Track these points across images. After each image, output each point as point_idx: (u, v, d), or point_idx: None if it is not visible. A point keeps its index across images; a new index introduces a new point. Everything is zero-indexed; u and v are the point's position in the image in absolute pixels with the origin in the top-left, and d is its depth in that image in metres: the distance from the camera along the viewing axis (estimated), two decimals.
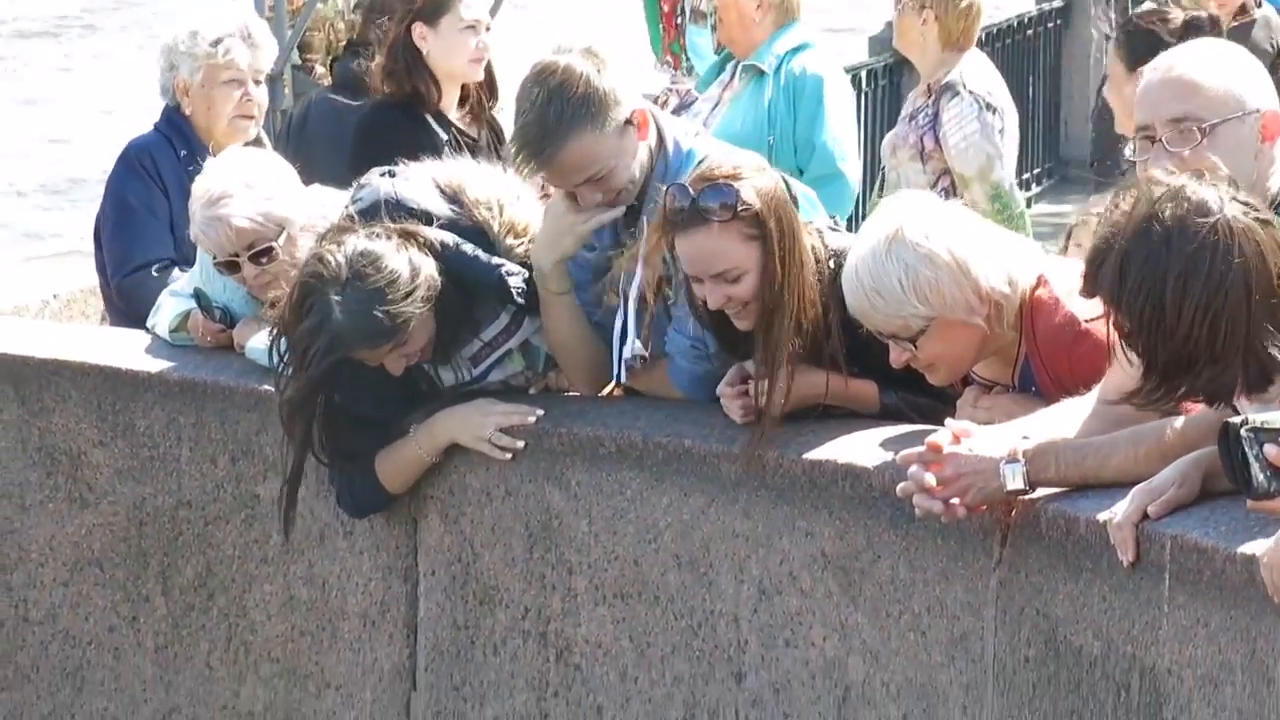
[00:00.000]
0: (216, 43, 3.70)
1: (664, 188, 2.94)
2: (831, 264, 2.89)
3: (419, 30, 4.02)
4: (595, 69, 2.92)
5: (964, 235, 2.82)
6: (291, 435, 3.02)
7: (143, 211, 3.80)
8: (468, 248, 2.95)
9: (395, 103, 4.02)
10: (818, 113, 4.77)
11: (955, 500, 2.49)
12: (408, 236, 2.87)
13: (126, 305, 3.84)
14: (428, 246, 2.89)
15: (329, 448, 3.02)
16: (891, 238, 2.75)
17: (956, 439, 2.52)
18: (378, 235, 2.85)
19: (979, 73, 4.91)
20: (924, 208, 2.96)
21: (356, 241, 2.83)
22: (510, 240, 3.02)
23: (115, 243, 3.80)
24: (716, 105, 4.82)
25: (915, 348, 2.75)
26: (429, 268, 2.84)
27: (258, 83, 3.80)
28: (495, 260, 2.96)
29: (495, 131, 3.93)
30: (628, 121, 2.97)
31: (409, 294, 2.81)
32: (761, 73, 4.59)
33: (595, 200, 2.96)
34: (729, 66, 4.81)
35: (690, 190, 2.79)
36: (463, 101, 4.00)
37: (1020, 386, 2.90)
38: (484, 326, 3.06)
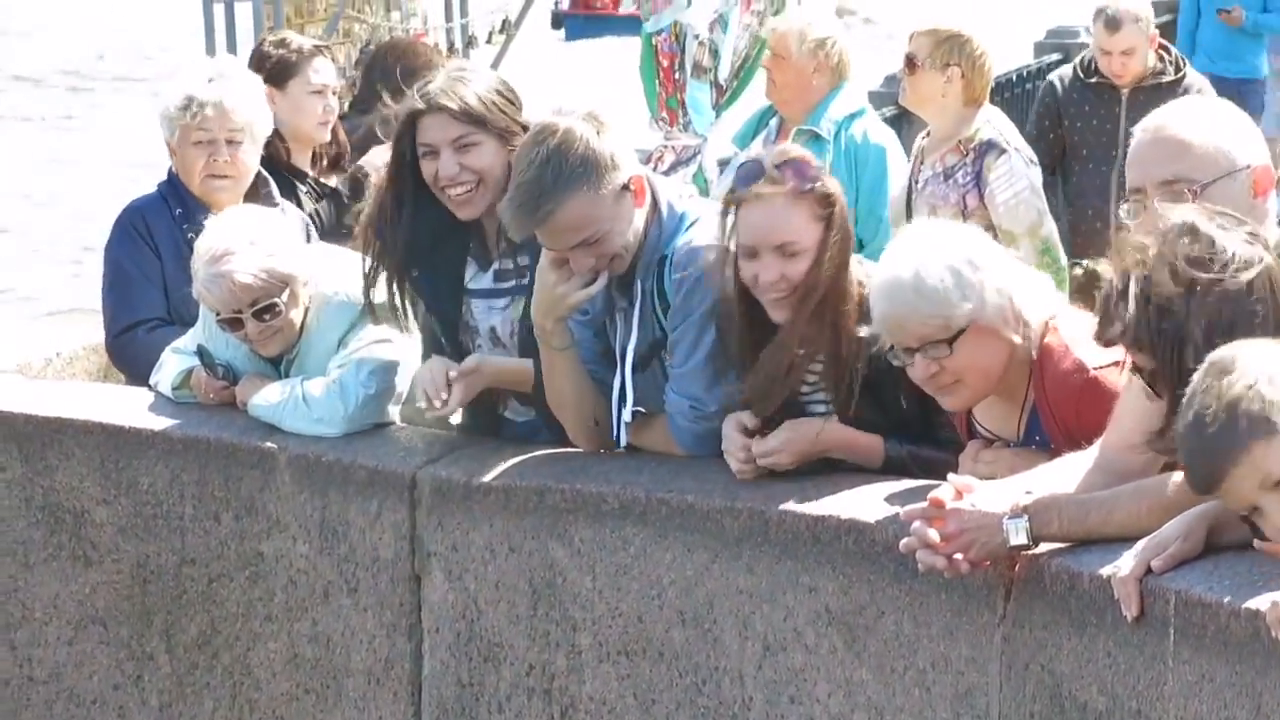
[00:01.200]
0: (186, 105, 3.71)
1: (738, 160, 3.07)
2: (863, 289, 2.92)
3: (268, 92, 4.11)
4: (595, 131, 2.90)
5: (1002, 252, 2.89)
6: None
7: (134, 274, 3.82)
8: None
9: None
10: (881, 185, 4.75)
11: (959, 556, 2.46)
12: None
13: (119, 365, 3.89)
14: None
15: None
16: (937, 240, 2.77)
17: (959, 494, 2.49)
18: None
19: (1009, 128, 4.90)
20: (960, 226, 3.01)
21: None
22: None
23: (107, 304, 3.85)
24: None
25: (950, 350, 2.69)
26: None
27: (235, 142, 3.76)
28: None
29: (356, 182, 4.02)
30: (625, 187, 2.95)
31: None
32: (817, 136, 4.56)
33: (588, 265, 2.94)
34: (771, 123, 4.79)
35: (772, 160, 2.86)
36: (314, 160, 4.13)
37: (1025, 438, 2.86)
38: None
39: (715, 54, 5.93)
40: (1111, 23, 5.94)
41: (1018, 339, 2.71)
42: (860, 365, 2.84)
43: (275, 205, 3.72)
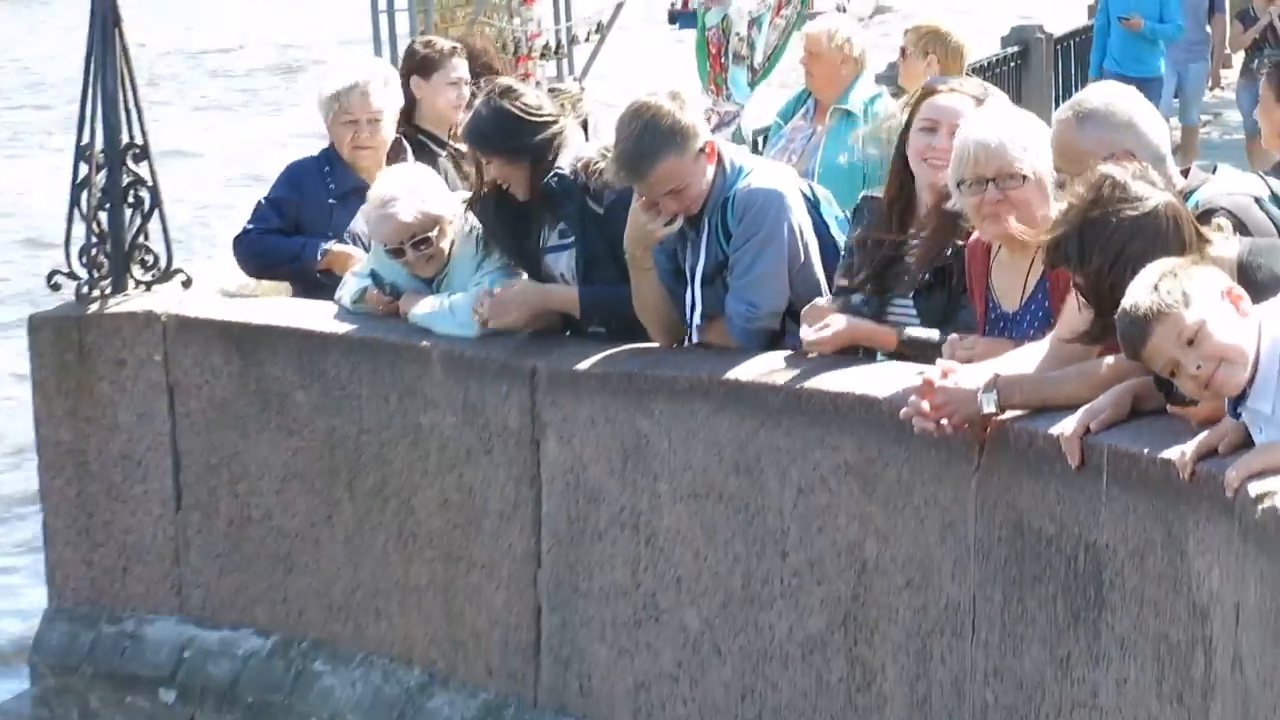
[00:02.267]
0: (336, 96, 4.35)
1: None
2: None
3: (416, 82, 4.69)
4: (679, 107, 3.38)
5: None
6: None
7: (270, 200, 4.52)
8: None
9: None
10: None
11: (944, 421, 2.84)
12: None
13: (234, 253, 4.60)
14: None
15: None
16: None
17: (945, 375, 2.87)
18: None
19: None
20: None
21: None
22: None
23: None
24: (812, 135, 5.49)
25: (1021, 183, 3.01)
26: None
27: (374, 121, 4.37)
28: None
29: None
30: (701, 150, 3.39)
31: None
32: (849, 113, 5.24)
33: (673, 209, 3.40)
34: (809, 102, 5.48)
35: None
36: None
37: (1023, 308, 3.20)
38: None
39: (752, 46, 7.27)
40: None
41: (1052, 208, 2.97)
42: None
43: None
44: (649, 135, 3.35)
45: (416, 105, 4.65)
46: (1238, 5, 11.73)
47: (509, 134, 3.55)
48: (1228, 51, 11.83)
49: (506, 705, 4.09)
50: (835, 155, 5.35)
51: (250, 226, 4.48)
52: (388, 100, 4.36)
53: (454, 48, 4.82)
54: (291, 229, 4.42)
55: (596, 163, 3.57)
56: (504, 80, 3.93)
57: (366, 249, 4.16)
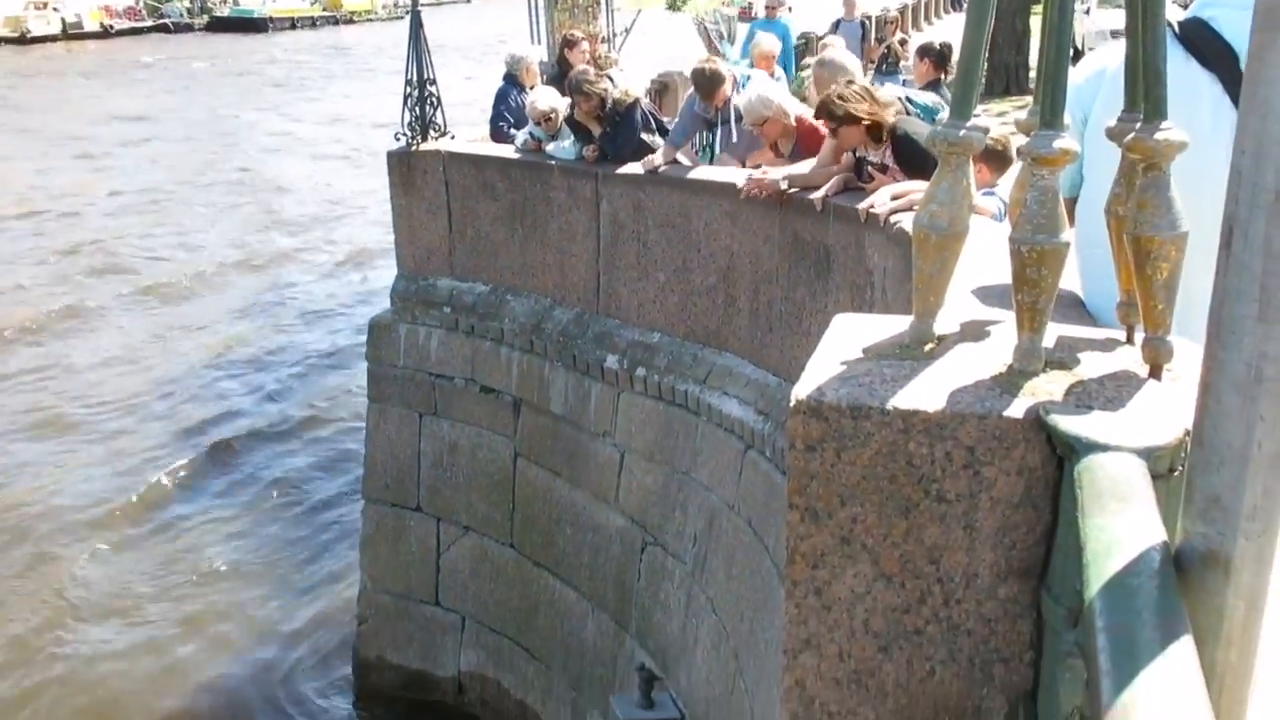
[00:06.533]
0: (517, 58, 8.63)
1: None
2: None
3: (564, 52, 8.81)
4: (717, 66, 7.26)
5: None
6: None
7: (500, 104, 8.82)
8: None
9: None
10: None
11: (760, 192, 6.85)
12: None
13: (491, 136, 8.87)
14: None
15: None
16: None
17: (763, 173, 7.26)
18: None
19: None
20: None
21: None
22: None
23: (492, 116, 8.93)
24: None
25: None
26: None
27: (531, 73, 8.63)
28: None
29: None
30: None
31: None
32: None
33: (710, 111, 7.27)
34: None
35: None
36: None
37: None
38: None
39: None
40: None
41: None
42: None
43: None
44: (709, 76, 7.20)
45: (567, 61, 8.89)
46: None
47: (583, 87, 7.74)
48: None
49: (585, 314, 7.60)
50: None
51: (493, 115, 8.82)
52: (534, 60, 8.67)
53: (581, 37, 9.06)
54: (504, 115, 8.78)
55: (619, 98, 7.65)
56: (583, 66, 8.25)
57: (526, 123, 8.39)
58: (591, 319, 7.70)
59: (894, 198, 4.85)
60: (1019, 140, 2.32)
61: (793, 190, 5.74)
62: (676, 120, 7.36)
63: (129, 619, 10.69)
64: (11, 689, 9.63)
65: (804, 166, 5.89)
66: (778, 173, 5.94)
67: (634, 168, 7.07)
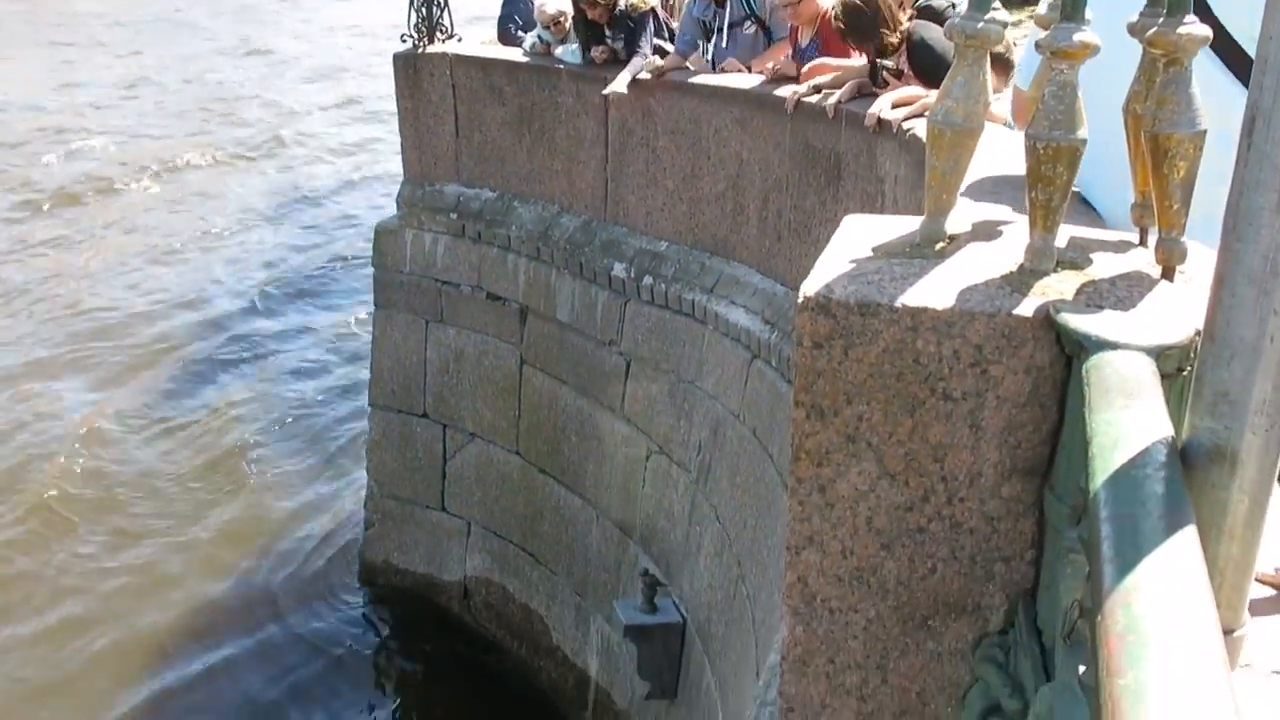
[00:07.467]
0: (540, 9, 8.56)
1: None
2: None
3: None
4: None
5: None
6: None
7: (509, 5, 8.88)
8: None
9: None
10: None
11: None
12: None
13: (499, 38, 8.92)
14: None
15: None
16: None
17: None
18: None
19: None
20: None
21: None
22: None
23: (500, 17, 9.00)
24: None
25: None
26: None
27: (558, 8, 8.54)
28: None
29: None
30: None
31: None
32: None
33: (709, 12, 7.18)
34: None
35: None
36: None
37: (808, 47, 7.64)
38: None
39: None
40: None
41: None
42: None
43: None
44: None
45: None
46: None
47: None
48: None
49: (593, 221, 7.96)
50: None
51: (501, 15, 8.86)
52: (561, 7, 8.47)
53: None
54: (513, 17, 8.78)
55: (635, 3, 7.76)
56: None
57: (535, 26, 8.46)
58: (599, 226, 7.68)
59: (895, 105, 4.71)
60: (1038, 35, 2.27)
61: (806, 98, 5.77)
62: (679, 30, 7.29)
63: (134, 520, 10.80)
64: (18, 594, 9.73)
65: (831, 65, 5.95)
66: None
67: (632, 70, 7.09)
